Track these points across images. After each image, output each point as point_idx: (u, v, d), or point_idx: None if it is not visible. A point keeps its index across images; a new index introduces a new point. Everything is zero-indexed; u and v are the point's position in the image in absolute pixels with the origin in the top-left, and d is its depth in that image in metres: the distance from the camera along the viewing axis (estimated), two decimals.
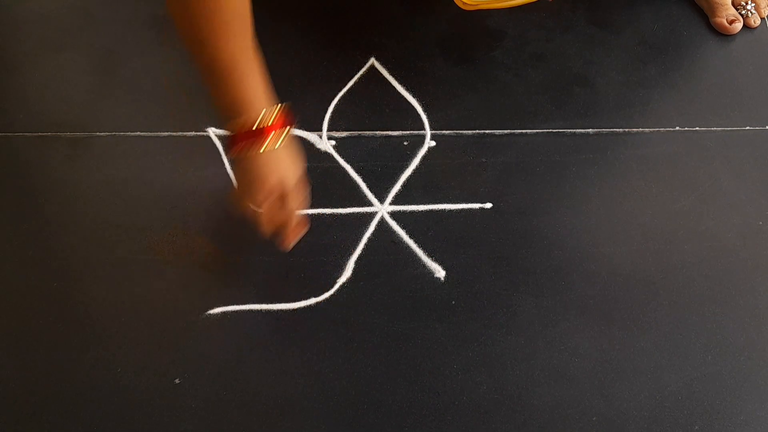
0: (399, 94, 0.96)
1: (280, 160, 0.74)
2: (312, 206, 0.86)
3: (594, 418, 0.72)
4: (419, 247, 0.83)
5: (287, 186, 0.75)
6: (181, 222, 0.85)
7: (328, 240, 0.84)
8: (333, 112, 0.94)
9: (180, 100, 0.96)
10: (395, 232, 0.84)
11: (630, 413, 0.72)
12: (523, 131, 0.92)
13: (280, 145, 0.73)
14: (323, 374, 0.75)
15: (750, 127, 0.93)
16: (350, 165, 0.90)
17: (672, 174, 0.89)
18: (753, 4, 1.02)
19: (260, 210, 0.75)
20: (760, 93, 0.96)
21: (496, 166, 0.89)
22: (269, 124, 0.72)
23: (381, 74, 0.97)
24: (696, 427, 0.71)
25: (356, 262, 0.82)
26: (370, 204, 0.87)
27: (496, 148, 0.91)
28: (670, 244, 0.83)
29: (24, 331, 0.78)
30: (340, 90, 0.96)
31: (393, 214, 0.86)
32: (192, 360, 0.76)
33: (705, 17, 1.04)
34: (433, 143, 0.91)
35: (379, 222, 0.85)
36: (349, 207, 0.86)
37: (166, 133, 0.93)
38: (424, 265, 0.82)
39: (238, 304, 0.79)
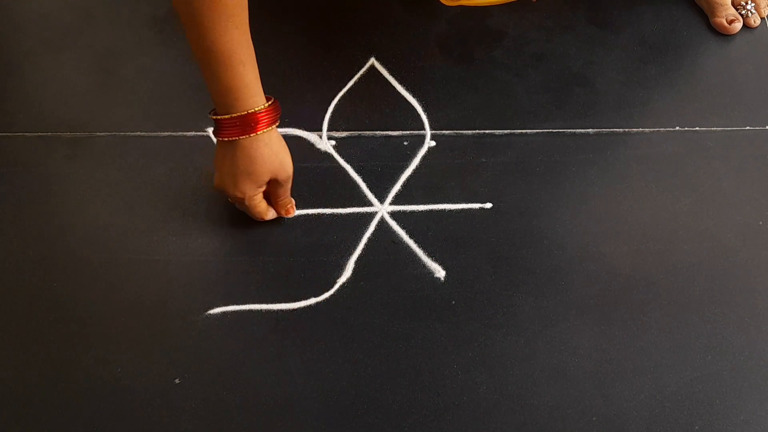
0: (399, 94, 0.96)
1: (270, 152, 0.77)
2: (312, 206, 0.86)
3: (594, 418, 0.72)
4: (419, 247, 0.83)
5: (277, 178, 0.78)
6: (181, 222, 0.85)
7: (328, 240, 0.84)
8: (333, 112, 0.94)
9: (180, 100, 0.96)
10: (395, 232, 0.84)
11: (630, 413, 0.72)
12: (523, 131, 0.92)
13: (268, 134, 0.75)
14: (323, 374, 0.75)
15: (750, 127, 0.93)
16: (350, 165, 0.90)
17: (672, 174, 0.89)
18: (753, 4, 1.02)
19: (242, 201, 0.79)
20: (760, 93, 0.96)
21: (496, 166, 0.89)
22: (261, 111, 0.74)
23: (381, 74, 0.97)
24: (696, 427, 0.71)
25: (356, 262, 0.82)
26: (370, 204, 0.87)
27: (496, 148, 0.91)
28: (670, 244, 0.83)
29: (24, 331, 0.78)
30: (340, 90, 0.96)
31: (393, 214, 0.86)
32: (192, 360, 0.76)
33: (705, 17, 1.04)
34: (433, 143, 0.91)
35: (379, 222, 0.85)
36: (349, 207, 0.86)
37: (166, 133, 0.93)
38: (424, 265, 0.82)
39: (238, 304, 0.79)
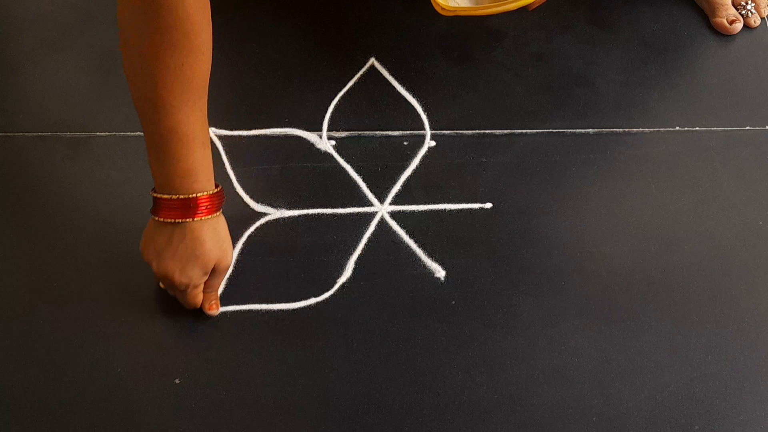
0: (399, 94, 0.96)
1: (217, 237, 0.74)
2: (312, 206, 0.86)
3: (594, 418, 0.72)
4: (419, 247, 0.83)
5: (218, 266, 0.74)
6: None
7: (328, 240, 0.83)
8: (333, 112, 0.94)
9: None
10: (395, 232, 0.84)
11: (630, 413, 0.72)
12: (523, 131, 0.92)
13: (216, 219, 0.73)
14: (323, 374, 0.75)
15: (750, 127, 0.93)
16: (350, 165, 0.90)
17: (672, 174, 0.89)
18: (753, 4, 1.02)
19: (184, 288, 0.74)
20: (760, 93, 0.96)
21: (496, 166, 0.89)
22: (214, 194, 0.72)
23: (381, 74, 0.97)
24: (696, 427, 0.71)
25: (356, 262, 0.82)
26: (370, 204, 0.87)
27: (496, 148, 0.91)
28: (670, 244, 0.83)
29: (24, 331, 0.78)
30: (340, 90, 0.96)
31: (393, 214, 0.86)
32: (192, 360, 0.76)
33: (705, 17, 1.03)
34: (433, 143, 0.91)
35: (379, 222, 0.85)
36: (349, 207, 0.86)
37: None
38: (424, 265, 0.82)
39: (238, 304, 0.79)
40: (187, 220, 0.71)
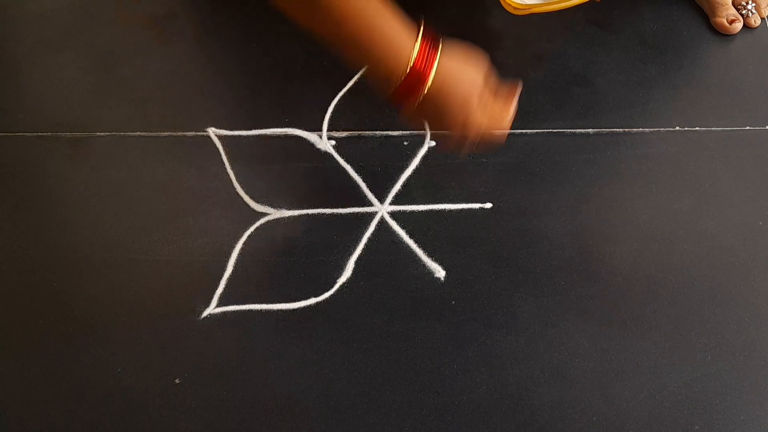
0: None
1: (455, 80, 0.69)
2: (312, 206, 0.86)
3: (594, 418, 0.72)
4: (419, 247, 0.83)
5: (479, 94, 0.70)
6: (181, 222, 0.85)
7: (328, 240, 0.83)
8: (333, 112, 0.94)
9: (180, 100, 0.96)
10: (395, 232, 0.84)
11: (630, 413, 0.72)
12: (523, 131, 0.92)
13: (439, 70, 0.68)
14: (323, 374, 0.75)
15: (750, 127, 0.93)
16: (350, 165, 0.90)
17: (672, 174, 0.89)
18: (753, 4, 1.02)
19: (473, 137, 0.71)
20: (760, 93, 0.96)
21: (496, 166, 0.89)
22: (419, 61, 0.67)
23: None
24: (696, 427, 0.71)
25: (356, 262, 0.82)
26: (370, 204, 0.87)
27: (496, 148, 0.91)
28: (670, 244, 0.83)
29: (24, 331, 0.78)
30: (340, 90, 0.96)
31: (393, 214, 0.86)
32: (192, 360, 0.76)
33: (705, 17, 1.04)
34: (433, 143, 0.91)
35: (379, 222, 0.85)
36: (349, 207, 0.86)
37: (166, 133, 0.93)
38: (424, 265, 0.82)
39: (238, 304, 0.79)
40: (428, 83, 0.67)
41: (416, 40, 0.68)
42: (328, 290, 0.80)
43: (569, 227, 0.84)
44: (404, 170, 0.89)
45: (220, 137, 0.92)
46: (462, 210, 0.86)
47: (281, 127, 0.92)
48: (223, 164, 0.90)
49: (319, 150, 0.91)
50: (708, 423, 0.71)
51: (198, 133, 0.93)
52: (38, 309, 0.79)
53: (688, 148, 0.91)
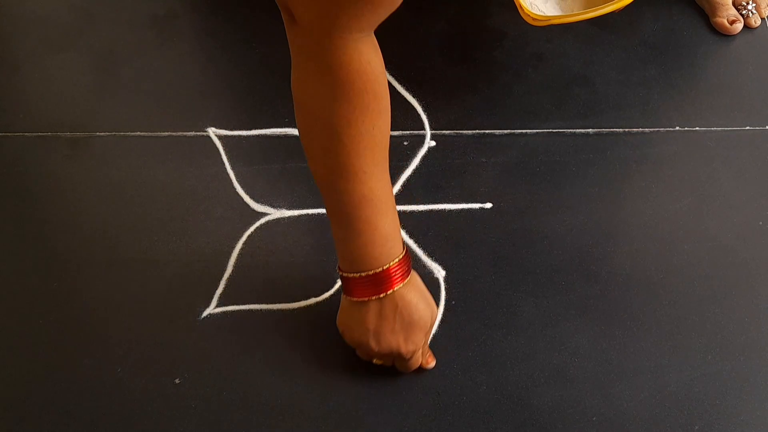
0: (399, 94, 0.96)
1: (424, 291, 0.70)
2: (312, 206, 0.86)
3: (594, 418, 0.72)
4: (419, 247, 0.83)
5: (411, 344, 0.69)
6: (181, 222, 0.85)
7: (328, 240, 0.83)
8: None
9: (180, 100, 0.96)
10: None
11: (630, 413, 0.72)
12: (523, 131, 0.92)
13: (410, 282, 0.68)
14: (323, 374, 0.75)
15: (750, 127, 0.93)
16: None
17: (672, 174, 0.89)
18: (753, 5, 1.02)
19: (411, 356, 0.71)
20: (760, 93, 0.96)
21: (496, 166, 0.89)
22: (400, 262, 0.66)
23: None
24: (696, 427, 0.71)
25: None
26: None
27: (496, 148, 0.91)
28: (670, 244, 0.83)
29: (24, 331, 0.78)
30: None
31: None
32: (192, 360, 0.76)
33: (705, 17, 1.04)
34: (433, 143, 0.91)
35: None
36: None
37: (166, 133, 0.93)
38: (424, 265, 0.82)
39: (238, 304, 0.79)
40: (390, 291, 0.67)
41: (403, 248, 0.67)
42: (328, 290, 0.80)
43: (569, 227, 0.84)
44: (404, 170, 0.89)
45: (220, 137, 0.92)
46: (462, 210, 0.86)
47: (281, 127, 0.92)
48: (223, 164, 0.90)
49: None
50: (708, 423, 0.71)
51: (198, 133, 0.93)
52: (38, 309, 0.79)
53: (688, 148, 0.91)
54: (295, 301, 0.79)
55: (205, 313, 0.79)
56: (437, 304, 0.79)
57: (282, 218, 0.85)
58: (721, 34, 1.02)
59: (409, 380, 0.74)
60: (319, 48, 0.58)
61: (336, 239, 0.67)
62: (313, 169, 0.64)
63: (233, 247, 0.83)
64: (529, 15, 0.82)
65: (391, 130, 0.92)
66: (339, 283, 0.80)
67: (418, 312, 0.68)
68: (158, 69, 0.99)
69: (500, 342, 0.77)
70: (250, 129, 0.92)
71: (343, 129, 0.60)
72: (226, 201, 0.86)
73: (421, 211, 0.86)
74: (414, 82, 0.96)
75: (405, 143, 0.91)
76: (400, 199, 0.87)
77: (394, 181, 0.88)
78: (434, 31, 1.02)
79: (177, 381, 0.74)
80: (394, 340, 0.68)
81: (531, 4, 0.85)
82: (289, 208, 0.86)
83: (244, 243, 0.83)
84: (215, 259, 0.82)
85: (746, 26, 1.02)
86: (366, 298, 0.67)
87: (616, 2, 0.78)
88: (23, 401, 0.73)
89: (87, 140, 0.92)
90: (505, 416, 0.72)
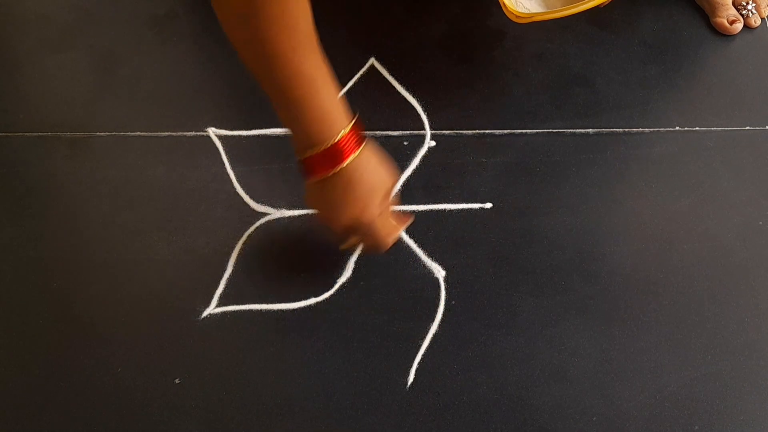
0: (399, 94, 0.96)
1: (380, 158, 0.70)
2: None
3: (594, 418, 0.72)
4: (419, 247, 0.83)
5: (378, 203, 0.70)
6: (181, 222, 0.85)
7: (328, 240, 0.83)
8: None
9: (180, 100, 0.96)
10: None
11: (630, 413, 0.72)
12: (523, 131, 0.92)
13: (364, 152, 0.68)
14: (323, 374, 0.75)
15: (750, 127, 0.93)
16: None
17: (672, 174, 0.89)
18: (753, 4, 1.02)
19: (371, 224, 0.71)
20: (760, 93, 0.96)
21: (496, 166, 0.89)
22: (348, 135, 0.67)
23: (381, 74, 0.97)
24: (696, 427, 0.71)
25: (356, 262, 0.82)
26: None
27: (496, 148, 0.91)
28: (670, 244, 0.83)
29: (24, 331, 0.78)
30: (340, 90, 0.95)
31: None
32: (192, 360, 0.76)
33: (705, 17, 1.04)
34: (433, 143, 0.91)
35: None
36: None
37: (166, 133, 0.93)
38: (424, 265, 0.82)
39: (238, 304, 0.79)
40: (344, 163, 0.67)
41: (350, 120, 0.68)
42: (328, 290, 0.80)
43: (569, 227, 0.84)
44: (404, 170, 0.89)
45: (220, 137, 0.92)
46: (462, 210, 0.86)
47: (281, 127, 0.92)
48: (223, 164, 0.90)
49: None
50: (708, 423, 0.71)
51: (198, 133, 0.93)
52: (38, 309, 0.79)
53: (688, 148, 0.91)
54: (295, 301, 0.79)
55: (205, 313, 0.79)
56: (437, 304, 0.79)
57: (282, 218, 0.85)
58: (721, 34, 1.02)
59: (409, 380, 0.74)
60: None
61: (284, 124, 0.68)
62: (243, 57, 0.66)
63: (233, 247, 0.83)
64: (512, 12, 0.82)
65: (392, 130, 0.93)
66: (339, 284, 0.81)
67: (372, 180, 0.69)
68: (158, 69, 0.99)
69: (500, 342, 0.77)
70: (250, 129, 0.92)
71: (253, 17, 0.62)
72: (226, 201, 0.86)
73: (421, 211, 0.86)
74: (414, 82, 0.96)
75: (405, 143, 0.91)
76: (401, 199, 0.87)
77: None
78: (434, 31, 1.02)
79: (177, 381, 0.74)
80: (352, 210, 0.69)
81: (516, 2, 0.85)
82: (289, 208, 0.86)
83: (244, 243, 0.83)
84: (215, 259, 0.82)
85: (746, 26, 1.02)
86: (322, 176, 0.68)
87: None
88: (23, 401, 0.73)
89: (87, 140, 0.92)
90: (505, 416, 0.72)
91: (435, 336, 0.77)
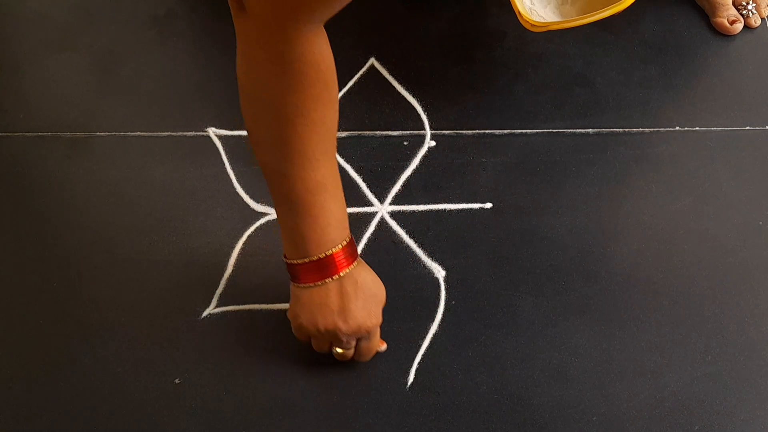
0: (399, 94, 0.96)
1: (374, 275, 0.71)
2: None
3: (594, 418, 0.72)
4: (419, 247, 0.83)
5: (358, 331, 0.69)
6: (181, 222, 0.85)
7: None
8: None
9: (180, 100, 0.96)
10: (395, 232, 0.84)
11: (630, 413, 0.72)
12: (523, 131, 0.92)
13: (348, 276, 0.68)
14: (323, 374, 0.75)
15: (750, 127, 0.93)
16: (350, 165, 0.90)
17: (672, 174, 0.89)
18: (754, 4, 1.02)
19: (370, 335, 0.71)
20: (760, 93, 0.96)
21: (496, 166, 0.89)
22: (345, 249, 0.67)
23: (381, 74, 0.97)
24: (696, 427, 0.71)
25: None
26: (370, 204, 0.87)
27: (496, 148, 0.91)
28: (670, 244, 0.83)
29: (24, 331, 0.78)
30: (340, 90, 0.96)
31: (393, 214, 0.86)
32: (192, 360, 0.76)
33: (705, 17, 1.04)
34: (433, 143, 0.91)
35: (379, 222, 0.85)
36: (349, 207, 0.85)
37: (166, 133, 0.93)
38: (424, 265, 0.82)
39: (238, 304, 0.79)
40: (348, 269, 0.68)
41: (349, 236, 0.68)
42: None
43: (569, 227, 0.84)
44: (404, 170, 0.89)
45: (220, 137, 0.92)
46: (462, 210, 0.86)
47: None
48: (223, 164, 0.90)
49: None
50: (708, 423, 0.71)
51: (198, 133, 0.93)
52: (38, 309, 0.79)
53: (688, 148, 0.91)
54: None
55: (205, 313, 0.79)
56: (437, 304, 0.79)
57: None
58: (721, 34, 1.02)
59: (409, 380, 0.74)
60: (271, 38, 0.58)
61: (284, 227, 0.68)
62: (261, 156, 0.65)
63: (233, 247, 0.83)
64: (528, 21, 0.82)
65: (392, 130, 0.93)
66: None
67: (375, 287, 0.70)
68: (158, 69, 0.99)
69: (500, 342, 0.77)
70: None
71: (297, 118, 0.61)
72: (226, 201, 0.86)
73: (421, 211, 0.86)
74: (414, 82, 0.96)
75: (405, 143, 0.91)
76: (401, 199, 0.87)
77: (394, 181, 0.88)
78: (434, 31, 1.02)
79: (177, 381, 0.74)
80: (360, 315, 0.68)
81: (530, 10, 0.85)
82: None
83: (244, 243, 0.84)
84: (215, 259, 0.82)
85: (746, 26, 1.02)
86: (312, 284, 0.67)
87: (614, 6, 0.79)
88: (23, 401, 0.73)
89: (87, 140, 0.92)
90: (505, 416, 0.72)
91: (435, 336, 0.77)
